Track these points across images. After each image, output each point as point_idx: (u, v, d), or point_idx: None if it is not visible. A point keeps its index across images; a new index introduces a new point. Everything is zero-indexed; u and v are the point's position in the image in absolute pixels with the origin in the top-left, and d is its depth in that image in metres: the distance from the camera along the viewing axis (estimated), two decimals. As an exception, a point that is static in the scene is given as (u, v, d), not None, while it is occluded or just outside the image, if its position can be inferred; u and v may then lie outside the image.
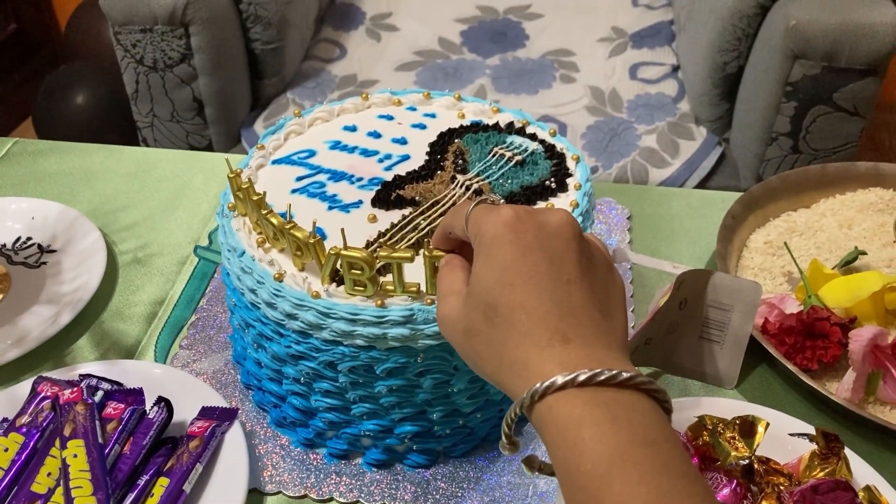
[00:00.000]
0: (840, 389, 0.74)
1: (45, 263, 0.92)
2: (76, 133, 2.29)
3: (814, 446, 0.66)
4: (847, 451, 0.69)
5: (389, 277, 0.62)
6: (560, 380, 0.41)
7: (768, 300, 0.82)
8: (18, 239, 0.95)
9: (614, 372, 0.41)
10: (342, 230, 0.61)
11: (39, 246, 0.94)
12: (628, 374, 0.41)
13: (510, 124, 0.80)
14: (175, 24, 1.47)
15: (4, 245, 0.94)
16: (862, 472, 0.67)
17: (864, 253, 0.88)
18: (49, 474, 0.65)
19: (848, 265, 0.88)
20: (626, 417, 0.40)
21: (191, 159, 1.09)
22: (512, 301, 0.45)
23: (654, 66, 1.80)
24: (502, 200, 0.52)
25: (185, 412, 0.72)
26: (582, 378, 0.41)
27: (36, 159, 1.09)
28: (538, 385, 0.41)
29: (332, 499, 0.68)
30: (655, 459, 0.39)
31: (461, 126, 0.80)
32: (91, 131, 2.28)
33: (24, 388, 0.74)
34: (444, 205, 0.70)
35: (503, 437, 0.46)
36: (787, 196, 0.99)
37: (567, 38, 1.92)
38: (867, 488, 0.64)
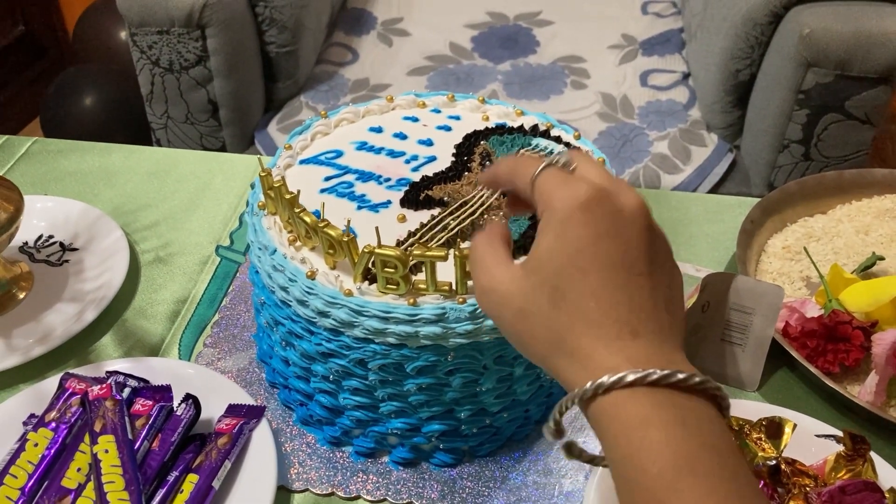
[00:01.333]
0: (863, 392, 0.75)
1: (67, 262, 0.92)
2: (84, 135, 2.28)
3: (840, 448, 0.66)
4: (871, 454, 0.69)
5: (421, 276, 0.62)
6: (630, 376, 0.40)
7: (789, 304, 0.82)
8: (40, 237, 0.95)
9: (685, 375, 0.40)
10: (376, 228, 0.61)
11: (61, 244, 0.94)
12: (700, 379, 0.40)
13: (534, 127, 0.80)
14: (192, 26, 1.48)
15: (26, 243, 0.95)
16: (886, 475, 0.68)
17: (881, 258, 0.89)
18: (79, 469, 0.65)
19: (866, 270, 0.88)
20: (695, 423, 0.39)
21: (210, 160, 1.09)
22: (584, 288, 0.43)
23: (665, 73, 1.81)
24: (567, 158, 0.47)
25: (212, 410, 0.72)
26: (654, 377, 0.40)
27: (56, 158, 1.09)
28: (605, 378, 0.40)
29: (359, 497, 0.68)
30: (724, 468, 0.38)
31: (486, 128, 0.80)
32: (99, 133, 2.28)
33: (50, 384, 0.74)
34: (472, 205, 0.70)
35: (552, 423, 0.44)
36: (804, 202, 1.00)
37: (577, 44, 1.93)
38: (892, 490, 0.65)
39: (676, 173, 1.51)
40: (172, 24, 1.48)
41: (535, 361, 0.46)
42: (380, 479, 0.70)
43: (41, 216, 0.97)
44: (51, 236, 0.96)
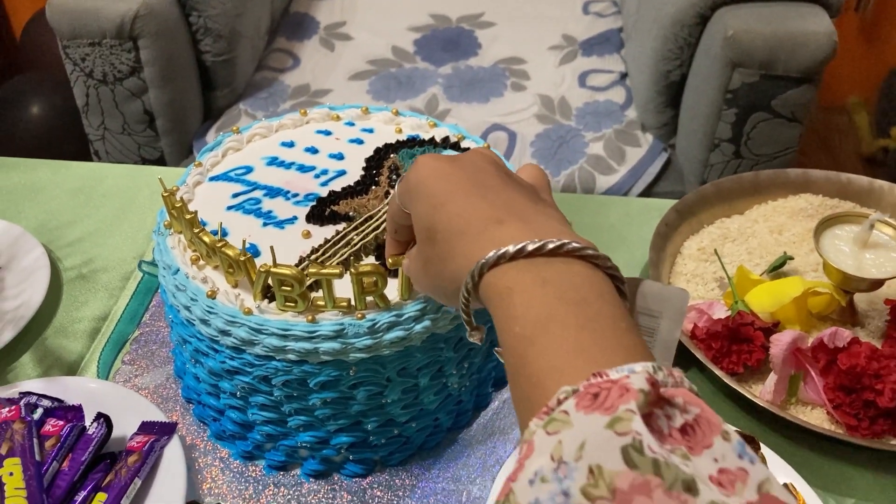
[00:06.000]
0: (763, 392, 0.77)
1: (-13, 281, 0.92)
2: (30, 145, 2.27)
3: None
4: (767, 451, 0.71)
5: (320, 293, 0.64)
6: (492, 256, 0.44)
7: (698, 306, 0.85)
8: (-39, 257, 0.95)
9: (541, 242, 0.43)
10: (271, 248, 0.63)
11: (-17, 263, 0.94)
12: (557, 242, 0.43)
13: (445, 139, 0.82)
14: (123, 37, 1.47)
15: (-53, 263, 0.95)
16: (780, 471, 0.70)
17: (791, 258, 0.91)
18: (-15, 493, 0.66)
19: (776, 270, 0.91)
20: (555, 280, 0.42)
21: (137, 173, 1.09)
22: (445, 215, 0.48)
23: (604, 73, 1.83)
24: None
25: (125, 427, 0.73)
26: (512, 251, 0.43)
27: (-19, 175, 1.09)
28: (474, 266, 0.44)
29: (269, 509, 0.70)
30: (581, 316, 0.40)
31: (397, 141, 0.82)
32: (45, 143, 2.27)
33: (-38, 406, 0.75)
34: (377, 219, 0.71)
35: (466, 325, 0.50)
36: (720, 203, 1.02)
37: (519, 46, 1.95)
38: (785, 485, 0.67)
39: (611, 174, 1.54)
40: (104, 35, 1.47)
41: (454, 297, 0.49)
42: (291, 492, 0.71)
43: (-38, 235, 0.97)
44: (-28, 255, 0.95)
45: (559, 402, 0.36)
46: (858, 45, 2.63)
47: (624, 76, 1.81)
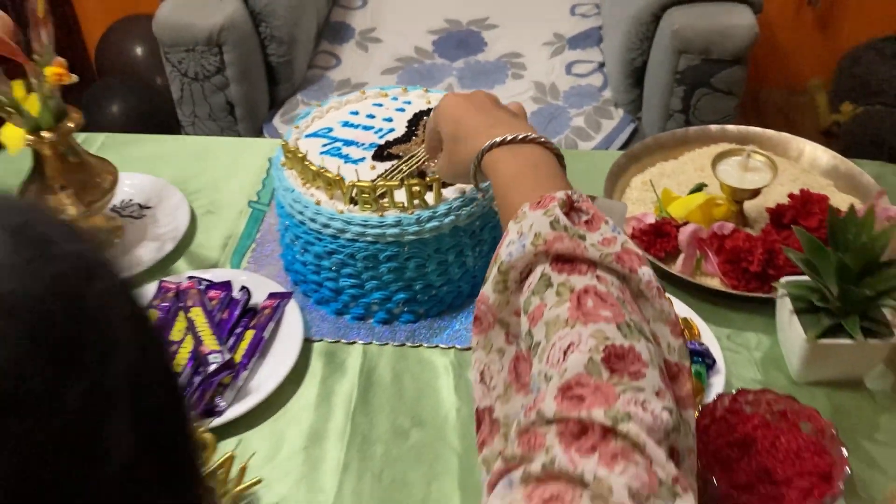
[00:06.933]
0: (676, 267, 1.09)
1: (144, 216, 1.25)
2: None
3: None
4: (674, 300, 1.03)
5: (386, 199, 0.96)
6: (488, 145, 0.74)
7: (636, 216, 1.16)
8: (123, 201, 1.28)
9: (514, 136, 0.73)
10: (356, 170, 0.95)
11: (139, 205, 1.27)
12: (524, 135, 0.73)
13: (460, 106, 1.13)
14: (211, 45, 1.80)
15: (114, 206, 1.27)
16: (683, 312, 1.02)
17: (705, 185, 1.22)
18: (179, 330, 0.99)
19: (694, 193, 1.22)
20: (522, 154, 0.72)
21: (238, 144, 1.42)
22: (463, 125, 0.79)
23: (586, 63, 2.13)
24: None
25: (258, 297, 1.05)
26: (498, 140, 0.73)
27: (123, 148, 1.41)
28: (479, 151, 0.74)
29: (354, 342, 1.02)
30: (535, 172, 0.71)
31: (428, 108, 1.13)
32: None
33: (150, 288, 1.07)
34: (417, 157, 1.03)
35: (473, 181, 0.78)
36: (660, 151, 1.32)
37: (517, 43, 2.24)
38: (685, 319, 0.99)
39: (590, 141, 1.85)
40: (196, 43, 1.80)
41: (465, 172, 0.78)
42: (366, 332, 1.03)
43: (122, 186, 1.30)
44: (131, 200, 1.28)
45: (521, 211, 0.67)
46: (815, 35, 2.87)
47: (602, 65, 2.12)
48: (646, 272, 0.62)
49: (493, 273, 0.65)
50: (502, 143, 0.73)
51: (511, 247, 0.64)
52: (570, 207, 0.66)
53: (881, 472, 0.85)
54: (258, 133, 1.99)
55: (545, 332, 0.60)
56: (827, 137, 2.73)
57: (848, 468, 0.78)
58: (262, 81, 1.99)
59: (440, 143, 0.84)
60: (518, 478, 0.50)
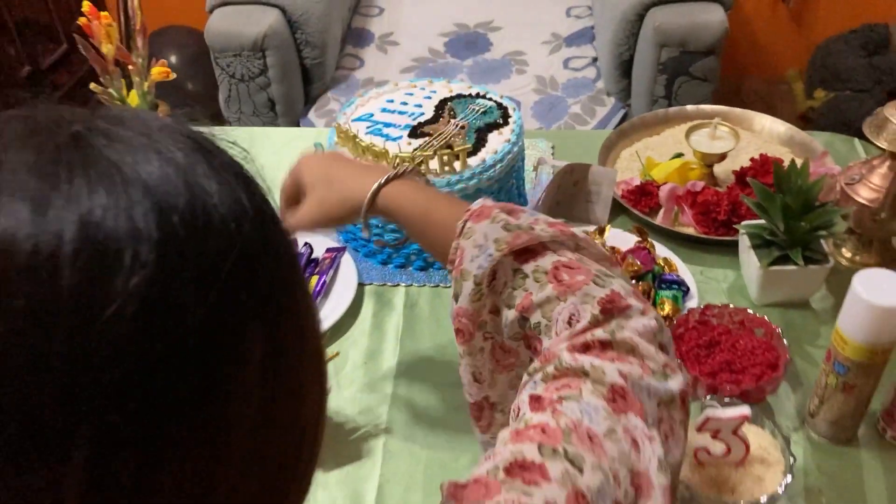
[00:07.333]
0: (658, 218, 1.29)
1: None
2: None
3: (637, 238, 1.20)
4: (656, 244, 1.23)
5: (422, 167, 1.16)
6: (383, 180, 0.78)
7: (625, 180, 1.36)
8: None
9: (404, 170, 0.79)
10: (398, 145, 1.16)
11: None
12: (411, 169, 0.79)
13: (478, 93, 1.34)
14: (256, 50, 2.01)
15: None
16: (664, 253, 1.22)
17: (681, 154, 1.42)
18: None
19: (673, 160, 1.42)
20: (416, 185, 0.79)
21: (285, 132, 1.62)
22: (333, 172, 0.82)
23: (581, 58, 2.33)
24: None
25: (318, 252, 1.26)
26: (391, 176, 0.78)
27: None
28: (375, 185, 0.77)
29: (398, 284, 1.23)
30: (439, 194, 0.78)
31: (451, 96, 1.34)
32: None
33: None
34: (443, 134, 1.24)
35: (362, 218, 0.79)
36: (646, 128, 1.52)
37: (520, 42, 2.43)
38: (665, 259, 1.19)
39: (585, 125, 2.05)
40: (243, 49, 2.00)
41: (345, 214, 0.81)
42: (408, 276, 1.24)
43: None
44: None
45: (461, 227, 0.71)
46: (791, 29, 3.06)
47: (595, 59, 2.32)
48: (573, 230, 0.71)
49: (466, 288, 0.70)
50: (393, 177, 0.79)
51: (477, 260, 0.69)
52: (506, 208, 0.72)
53: (817, 366, 1.05)
54: (295, 126, 2.20)
55: (541, 313, 0.66)
56: (804, 121, 2.92)
57: (789, 357, 0.98)
58: (299, 81, 2.19)
59: (298, 196, 0.84)
60: (539, 378, 0.60)
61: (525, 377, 0.62)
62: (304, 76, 2.22)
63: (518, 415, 0.59)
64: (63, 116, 0.36)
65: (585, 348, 0.60)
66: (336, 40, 2.34)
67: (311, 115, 2.19)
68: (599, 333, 0.61)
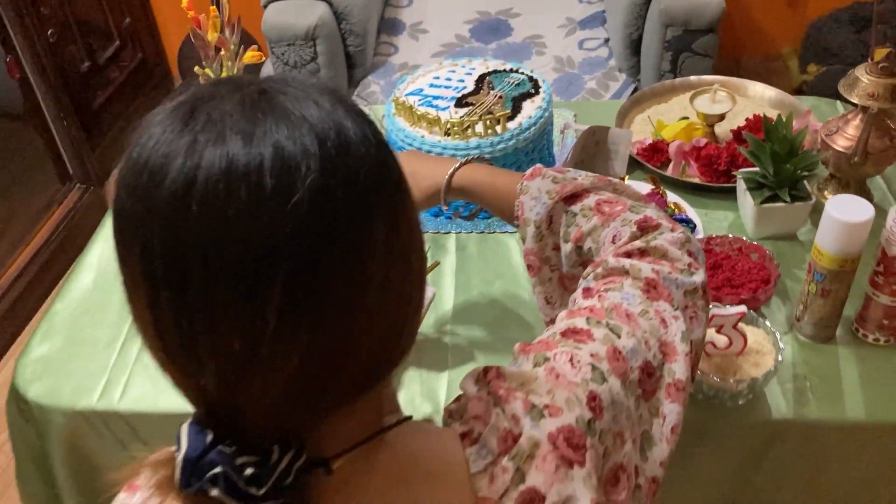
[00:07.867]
0: (669, 171, 1.46)
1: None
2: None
3: (651, 186, 1.37)
4: (668, 193, 1.40)
5: (469, 131, 1.34)
6: (457, 164, 0.92)
7: (639, 140, 1.53)
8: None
9: (473, 157, 0.95)
10: (449, 112, 1.33)
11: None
12: (476, 155, 1.04)
13: (511, 68, 1.51)
14: (307, 39, 2.18)
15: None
16: (674, 199, 1.39)
17: (687, 118, 1.59)
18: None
19: (679, 122, 1.59)
20: (482, 166, 0.93)
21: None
22: (415, 166, 0.87)
23: (594, 40, 2.49)
24: None
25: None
26: (462, 163, 0.93)
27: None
28: (451, 169, 0.92)
29: (450, 232, 1.40)
30: (497, 169, 0.93)
31: (488, 71, 1.51)
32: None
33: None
34: (484, 104, 1.41)
35: (442, 199, 0.95)
36: (655, 97, 1.68)
37: (538, 27, 2.57)
38: (675, 203, 1.36)
39: (601, 99, 2.21)
40: (296, 38, 2.17)
41: (428, 199, 0.96)
42: (457, 225, 1.41)
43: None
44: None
45: (520, 188, 0.86)
46: (785, 9, 3.20)
47: (607, 40, 2.47)
48: (610, 178, 0.86)
49: (530, 232, 0.84)
50: (465, 163, 0.94)
51: (535, 209, 0.84)
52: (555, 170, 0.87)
53: (800, 282, 1.22)
54: (340, 108, 2.36)
55: (591, 240, 0.79)
56: (798, 95, 3.05)
57: (779, 274, 1.15)
58: (343, 67, 2.36)
59: None
60: (591, 277, 0.73)
61: (581, 280, 0.76)
62: (347, 62, 2.38)
63: (574, 302, 0.73)
64: (251, 80, 0.51)
65: (627, 255, 0.73)
66: (374, 30, 2.50)
67: (355, 97, 2.36)
68: (637, 244, 0.74)
